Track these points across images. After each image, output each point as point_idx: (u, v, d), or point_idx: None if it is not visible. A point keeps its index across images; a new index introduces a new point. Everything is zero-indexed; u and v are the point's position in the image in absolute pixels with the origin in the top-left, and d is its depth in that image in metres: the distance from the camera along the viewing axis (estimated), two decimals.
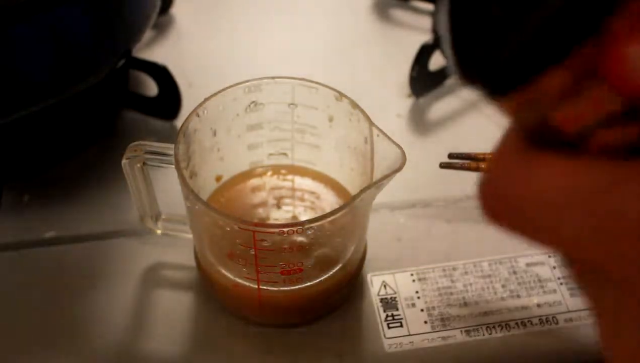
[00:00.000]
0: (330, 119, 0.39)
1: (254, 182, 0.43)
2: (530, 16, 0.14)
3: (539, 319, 0.40)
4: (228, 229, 0.36)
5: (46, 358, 0.38)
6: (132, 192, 0.39)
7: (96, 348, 0.38)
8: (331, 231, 0.37)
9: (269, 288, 0.37)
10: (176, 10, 0.60)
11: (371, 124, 0.36)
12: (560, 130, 0.16)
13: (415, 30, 0.60)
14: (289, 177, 0.43)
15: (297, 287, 0.37)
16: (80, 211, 0.45)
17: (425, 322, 0.40)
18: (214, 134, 0.39)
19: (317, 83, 0.38)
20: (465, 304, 0.40)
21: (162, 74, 0.49)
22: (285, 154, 0.43)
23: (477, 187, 0.19)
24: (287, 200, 0.42)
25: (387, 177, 0.34)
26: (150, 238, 0.43)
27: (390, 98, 0.54)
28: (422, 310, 0.40)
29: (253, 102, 0.39)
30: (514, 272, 0.42)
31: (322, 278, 0.37)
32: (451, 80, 0.54)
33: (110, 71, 0.45)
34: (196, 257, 0.40)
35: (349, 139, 0.39)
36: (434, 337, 0.39)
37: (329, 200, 0.42)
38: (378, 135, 0.35)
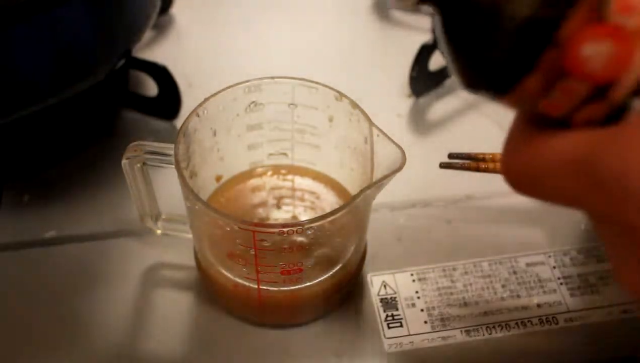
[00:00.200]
0: (330, 119, 0.39)
1: (254, 182, 0.43)
2: (503, 43, 0.20)
3: (539, 319, 0.40)
4: (228, 229, 0.36)
5: (46, 358, 0.38)
6: (132, 192, 0.39)
7: (96, 348, 0.38)
8: (331, 231, 0.37)
9: (269, 288, 0.37)
10: (176, 10, 0.60)
11: (371, 124, 0.36)
12: (548, 114, 0.21)
13: (415, 30, 0.60)
14: (289, 177, 0.43)
15: (297, 287, 0.37)
16: (80, 211, 0.45)
17: (425, 322, 0.40)
18: (214, 133, 0.39)
19: (317, 83, 0.38)
20: (465, 304, 0.40)
21: (162, 74, 0.49)
22: (285, 154, 0.43)
23: (500, 165, 0.23)
24: (287, 200, 0.42)
25: (387, 177, 0.34)
26: (150, 238, 0.43)
27: (390, 98, 0.54)
28: (422, 310, 0.40)
29: (253, 102, 0.39)
30: (514, 272, 0.42)
31: (322, 278, 0.37)
32: (451, 80, 0.54)
33: (110, 71, 0.45)
34: (196, 257, 0.40)
35: (349, 139, 0.39)
36: (434, 337, 0.39)
37: (329, 200, 0.42)
38: (378, 135, 0.35)
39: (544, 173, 0.21)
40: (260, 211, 0.42)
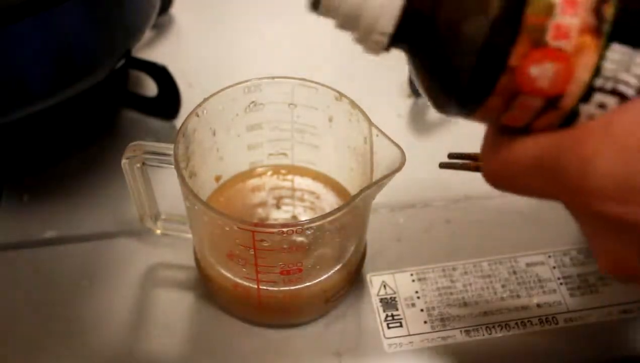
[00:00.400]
0: (330, 119, 0.39)
1: (254, 182, 0.43)
2: (464, 74, 0.23)
3: (539, 319, 0.40)
4: (227, 229, 0.36)
5: (46, 358, 0.38)
6: (131, 192, 0.39)
7: (96, 347, 0.38)
8: (331, 231, 0.37)
9: (268, 288, 0.37)
10: (176, 10, 0.60)
11: (371, 123, 0.36)
12: (512, 126, 0.24)
13: None
14: (289, 177, 0.43)
15: (296, 287, 0.37)
16: (80, 211, 0.45)
17: (425, 322, 0.40)
18: (214, 134, 0.39)
19: (317, 83, 0.38)
20: (465, 304, 0.40)
21: (161, 74, 0.49)
22: (285, 154, 0.43)
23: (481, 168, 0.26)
24: (286, 200, 0.42)
25: (387, 177, 0.34)
26: (150, 238, 0.43)
27: (390, 98, 0.54)
28: (421, 310, 0.40)
29: (253, 102, 0.39)
30: (514, 272, 0.42)
31: (322, 278, 0.37)
32: None
33: (110, 71, 0.45)
34: (196, 257, 0.40)
35: (349, 139, 0.39)
36: (434, 337, 0.39)
37: (329, 200, 0.42)
38: (378, 135, 0.35)
39: (515, 173, 0.24)
40: (260, 211, 0.42)
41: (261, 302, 0.38)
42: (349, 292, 0.40)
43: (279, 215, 0.42)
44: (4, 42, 0.37)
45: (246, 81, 0.38)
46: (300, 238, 0.36)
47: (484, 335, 0.39)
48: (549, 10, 0.22)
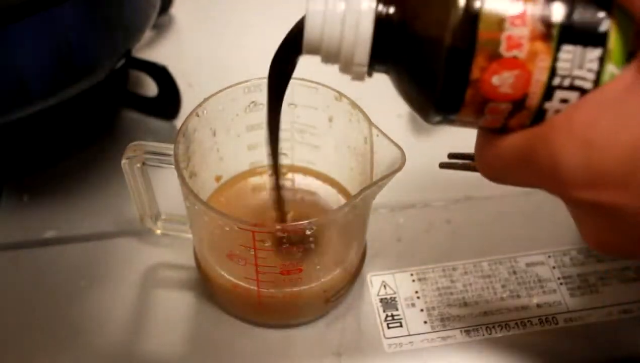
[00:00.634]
0: (330, 119, 0.39)
1: (254, 181, 0.43)
2: (434, 92, 0.26)
3: (539, 319, 0.40)
4: (228, 229, 0.36)
5: (46, 358, 0.38)
6: (131, 192, 0.39)
7: (96, 348, 0.38)
8: (331, 231, 0.37)
9: (269, 288, 0.37)
10: (176, 10, 0.60)
11: (371, 123, 0.36)
12: (491, 127, 0.27)
13: None
14: (289, 176, 0.43)
15: (296, 287, 0.37)
16: (80, 211, 0.45)
17: (425, 322, 0.40)
18: (214, 134, 0.39)
19: (317, 83, 0.38)
20: (465, 304, 0.40)
21: (161, 74, 0.49)
22: (285, 154, 0.43)
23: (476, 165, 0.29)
24: (287, 200, 0.42)
25: (387, 177, 0.34)
26: (150, 238, 0.43)
27: (390, 98, 0.53)
28: (421, 310, 0.40)
29: (253, 102, 0.39)
30: (514, 272, 0.42)
31: (321, 278, 0.37)
32: None
33: (110, 71, 0.45)
34: (196, 257, 0.40)
35: (349, 139, 0.39)
36: (434, 337, 0.39)
37: (329, 200, 0.42)
38: (378, 135, 0.35)
39: (501, 166, 0.27)
40: (260, 211, 0.42)
41: (261, 302, 0.38)
42: (349, 292, 0.40)
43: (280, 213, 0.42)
44: (4, 42, 0.37)
45: (246, 81, 0.38)
46: (300, 239, 0.36)
47: (484, 335, 0.39)
48: (500, 24, 0.24)
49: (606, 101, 0.24)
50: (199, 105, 0.37)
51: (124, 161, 0.37)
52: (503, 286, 0.41)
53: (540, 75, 0.24)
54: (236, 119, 0.40)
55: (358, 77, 0.28)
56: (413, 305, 0.40)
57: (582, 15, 0.24)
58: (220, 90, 0.38)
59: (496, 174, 0.28)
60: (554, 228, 0.44)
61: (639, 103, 0.23)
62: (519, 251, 0.43)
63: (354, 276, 0.40)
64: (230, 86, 0.38)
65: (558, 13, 0.24)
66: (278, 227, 0.35)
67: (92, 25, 0.41)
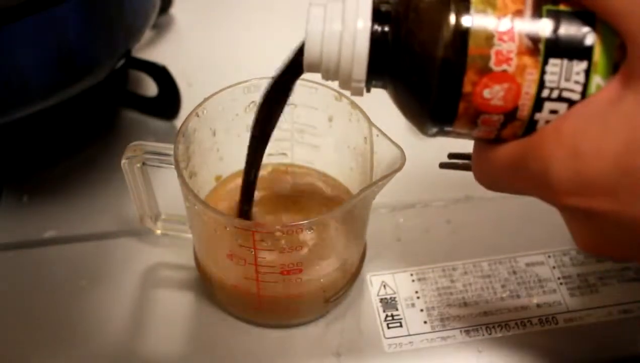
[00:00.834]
0: (330, 119, 0.39)
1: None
2: (429, 105, 0.27)
3: (539, 319, 0.40)
4: (228, 229, 0.36)
5: (46, 358, 0.38)
6: (131, 192, 0.39)
7: (96, 348, 0.38)
8: (331, 231, 0.37)
9: (268, 288, 0.37)
10: (176, 10, 0.60)
11: (371, 123, 0.36)
12: (484, 138, 0.28)
13: None
14: (289, 176, 0.43)
15: (296, 287, 0.37)
16: (80, 211, 0.45)
17: (425, 322, 0.40)
18: (214, 134, 0.39)
19: (316, 83, 0.38)
20: (465, 304, 0.40)
21: (161, 74, 0.49)
22: (285, 154, 0.43)
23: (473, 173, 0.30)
24: (287, 200, 0.42)
25: (386, 177, 0.34)
26: (150, 238, 0.43)
27: (389, 98, 0.53)
28: (421, 310, 0.40)
29: (253, 102, 0.39)
30: (514, 272, 0.42)
31: (321, 278, 0.37)
32: None
33: (110, 71, 0.45)
34: (196, 257, 0.40)
35: (349, 139, 0.39)
36: (434, 337, 0.39)
37: (329, 200, 0.42)
38: (378, 135, 0.35)
39: (496, 175, 0.28)
40: (260, 210, 0.42)
41: (261, 302, 0.38)
42: (349, 292, 0.40)
43: (279, 215, 0.42)
44: (3, 42, 0.37)
45: (246, 81, 0.38)
46: (300, 238, 0.36)
47: (484, 335, 0.39)
48: (489, 40, 0.25)
49: (592, 112, 0.25)
50: (199, 105, 0.37)
51: (124, 161, 0.37)
52: (503, 286, 0.41)
53: (529, 88, 0.25)
54: (236, 119, 0.40)
55: (357, 92, 0.29)
56: (413, 305, 0.40)
57: (567, 30, 0.25)
58: (220, 90, 0.38)
59: (491, 182, 0.29)
60: (554, 228, 0.44)
61: (623, 114, 0.24)
62: (519, 251, 0.43)
63: (354, 276, 0.40)
64: (230, 86, 0.38)
65: (544, 28, 0.25)
66: (278, 227, 0.35)
67: (92, 25, 0.41)
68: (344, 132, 0.39)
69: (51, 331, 0.39)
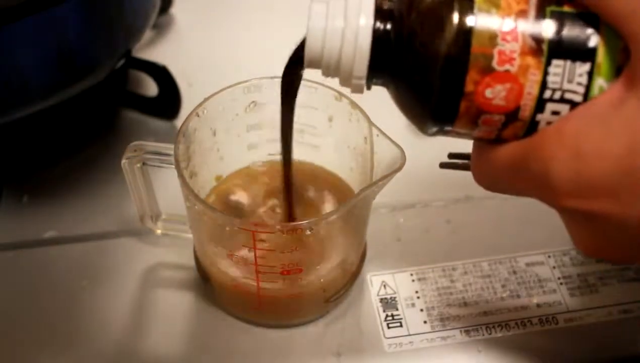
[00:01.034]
0: (330, 119, 0.39)
1: (253, 177, 0.43)
2: (430, 104, 0.27)
3: (539, 319, 0.40)
4: (228, 229, 0.36)
5: (46, 358, 0.38)
6: (131, 192, 0.39)
7: (96, 348, 0.38)
8: (331, 231, 0.37)
9: (268, 288, 0.37)
10: (176, 10, 0.60)
11: (371, 123, 0.36)
12: (485, 138, 0.28)
13: None
14: (289, 175, 0.43)
15: (296, 287, 0.37)
16: (80, 211, 0.45)
17: (425, 322, 0.40)
18: (214, 133, 0.39)
19: (316, 83, 0.38)
20: (465, 304, 0.40)
21: (161, 74, 0.49)
22: None
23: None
24: (286, 200, 0.42)
25: (387, 177, 0.34)
26: (150, 238, 0.43)
27: (389, 98, 0.53)
28: (421, 310, 0.40)
29: (253, 102, 0.39)
30: (514, 272, 0.42)
31: (321, 278, 0.37)
32: None
33: (110, 71, 0.45)
34: (196, 257, 0.40)
35: (349, 139, 0.39)
36: (434, 337, 0.39)
37: (329, 200, 0.42)
38: (378, 135, 0.35)
39: (495, 176, 0.28)
40: (260, 210, 0.42)
41: (261, 302, 0.38)
42: (349, 292, 0.40)
43: (279, 215, 0.41)
44: (3, 42, 0.37)
45: (246, 81, 0.38)
46: (300, 238, 0.36)
47: (484, 335, 0.39)
48: (492, 40, 0.25)
49: (595, 114, 0.25)
50: (199, 105, 0.37)
51: (124, 161, 0.37)
52: (503, 286, 0.41)
53: (531, 89, 0.25)
54: (236, 119, 0.40)
55: (357, 89, 0.29)
56: (413, 305, 0.40)
57: (571, 31, 0.25)
58: (220, 90, 0.38)
59: (491, 183, 0.29)
60: (554, 229, 0.44)
61: (626, 116, 0.24)
62: (519, 251, 0.43)
63: (354, 276, 0.40)
64: (230, 86, 0.38)
65: (548, 29, 0.25)
66: (278, 226, 0.35)
67: (92, 25, 0.41)
68: (344, 132, 0.39)
69: (51, 331, 0.39)
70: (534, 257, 0.43)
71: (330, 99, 0.38)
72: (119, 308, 0.40)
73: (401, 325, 0.39)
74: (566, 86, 0.25)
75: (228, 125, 0.40)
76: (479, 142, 0.29)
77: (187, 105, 0.50)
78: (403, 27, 0.27)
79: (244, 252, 0.35)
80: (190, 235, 0.40)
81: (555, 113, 0.26)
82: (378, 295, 0.41)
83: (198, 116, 0.37)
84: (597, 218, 0.26)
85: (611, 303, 0.41)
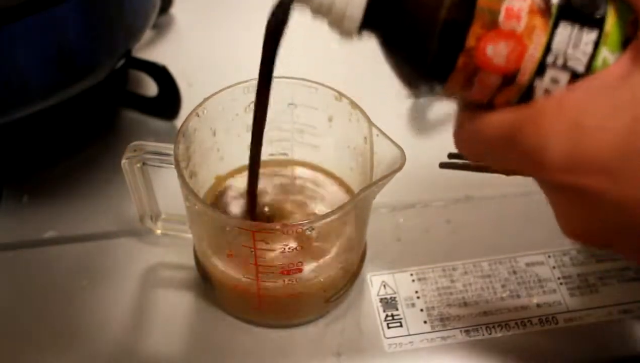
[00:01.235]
0: (330, 119, 0.39)
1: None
2: (429, 52, 0.25)
3: (539, 319, 0.40)
4: (228, 229, 0.36)
5: (46, 359, 0.38)
6: (131, 192, 0.39)
7: (96, 348, 0.38)
8: (331, 231, 0.37)
9: (268, 288, 0.37)
10: (176, 10, 0.60)
11: (371, 123, 0.36)
12: (476, 101, 0.26)
13: None
14: (289, 174, 0.43)
15: (296, 287, 0.37)
16: (80, 211, 0.45)
17: (425, 322, 0.40)
18: (214, 133, 0.39)
19: (316, 83, 0.38)
20: (465, 304, 0.40)
21: (161, 74, 0.49)
22: (285, 154, 0.43)
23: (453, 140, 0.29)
24: (286, 199, 0.42)
25: (386, 177, 0.34)
26: (150, 238, 0.43)
27: (390, 98, 0.53)
28: (421, 310, 0.40)
29: (253, 101, 0.39)
30: (514, 272, 0.42)
31: (321, 278, 0.37)
32: None
33: (110, 71, 0.45)
34: (196, 257, 0.40)
35: (349, 139, 0.39)
36: (434, 337, 0.39)
37: (329, 199, 0.42)
38: (378, 135, 0.35)
39: (483, 143, 0.27)
40: (260, 209, 0.42)
41: (261, 302, 0.38)
42: (349, 292, 0.40)
43: (279, 214, 0.42)
44: (3, 42, 0.37)
45: (246, 81, 0.38)
46: (300, 238, 0.36)
47: (484, 335, 0.39)
48: None
49: (599, 87, 0.24)
50: (199, 105, 0.37)
51: (124, 161, 0.37)
52: (503, 286, 0.41)
53: (534, 50, 0.24)
54: (236, 119, 0.40)
55: (347, 33, 0.27)
56: (413, 305, 0.40)
57: None
58: (220, 90, 0.38)
59: (475, 150, 0.28)
60: (554, 229, 0.44)
61: (632, 90, 0.23)
62: (519, 251, 0.43)
63: (354, 276, 0.40)
64: (230, 86, 0.38)
65: None
66: (278, 226, 0.35)
67: (92, 25, 0.41)
68: (344, 132, 0.39)
69: (51, 331, 0.39)
70: (534, 257, 0.43)
71: (330, 99, 0.38)
72: (119, 308, 0.40)
73: (401, 325, 0.39)
74: (570, 52, 0.24)
75: (228, 125, 0.40)
76: (466, 107, 0.28)
77: (187, 105, 0.50)
78: None
79: (244, 252, 0.35)
80: (190, 235, 0.40)
81: (554, 81, 0.25)
82: (378, 295, 0.41)
83: (198, 116, 0.37)
84: (590, 197, 0.24)
85: (611, 303, 0.41)
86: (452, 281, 0.41)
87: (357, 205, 0.35)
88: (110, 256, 0.43)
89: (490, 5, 0.24)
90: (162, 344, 0.39)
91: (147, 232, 0.42)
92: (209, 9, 0.62)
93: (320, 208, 0.41)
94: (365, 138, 0.37)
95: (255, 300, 0.38)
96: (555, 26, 0.24)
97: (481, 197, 0.46)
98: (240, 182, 0.43)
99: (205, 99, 0.38)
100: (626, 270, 0.42)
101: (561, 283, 0.41)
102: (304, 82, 0.38)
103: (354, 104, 0.37)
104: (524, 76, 0.25)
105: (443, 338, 0.39)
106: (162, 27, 0.59)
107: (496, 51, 0.24)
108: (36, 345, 0.39)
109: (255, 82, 0.38)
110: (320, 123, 0.40)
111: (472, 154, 0.28)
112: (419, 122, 0.52)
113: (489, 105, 0.26)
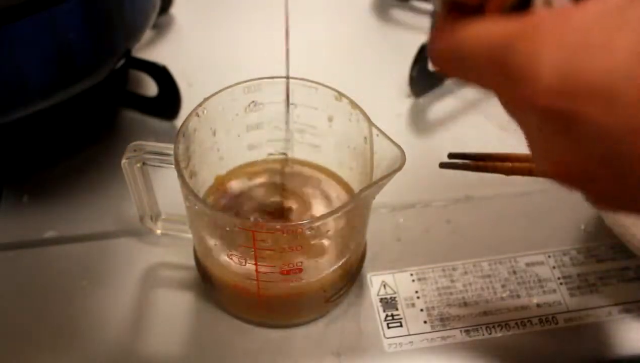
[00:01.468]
0: (330, 119, 0.39)
1: (252, 178, 0.43)
2: None
3: (539, 319, 0.40)
4: (228, 229, 0.36)
5: (46, 358, 0.38)
6: (131, 192, 0.39)
7: (96, 348, 0.38)
8: (331, 231, 0.37)
9: (269, 288, 0.37)
10: (176, 10, 0.60)
11: (371, 123, 0.36)
12: (465, 4, 0.24)
13: (415, 30, 0.60)
14: (289, 174, 0.43)
15: (296, 287, 0.37)
16: (80, 211, 0.45)
17: (425, 322, 0.40)
18: (214, 133, 0.39)
19: (316, 83, 0.38)
20: (465, 304, 0.40)
21: (161, 74, 0.49)
22: (285, 154, 0.43)
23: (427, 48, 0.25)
24: (286, 199, 0.42)
25: (386, 177, 0.34)
26: (150, 238, 0.43)
27: (390, 98, 0.54)
28: (421, 310, 0.40)
29: (253, 102, 0.39)
30: (514, 272, 0.42)
31: (322, 278, 0.37)
32: (451, 81, 0.54)
33: (110, 71, 0.45)
34: (196, 257, 0.40)
35: (349, 139, 0.39)
36: (434, 336, 0.39)
37: (329, 199, 0.42)
38: (378, 135, 0.35)
39: (463, 55, 0.24)
40: (260, 209, 0.42)
41: (261, 302, 0.38)
42: (349, 292, 0.40)
43: (279, 214, 0.42)
44: (3, 42, 0.37)
45: (246, 81, 0.38)
46: (300, 238, 0.36)
47: (484, 335, 0.39)
48: None
49: (607, 8, 0.22)
50: (199, 105, 0.37)
51: (124, 161, 0.37)
52: (503, 286, 0.41)
53: None
54: (236, 119, 0.40)
55: None
56: (413, 305, 0.40)
57: None
58: (220, 90, 0.38)
59: (454, 64, 0.25)
60: (554, 228, 0.44)
61: None
62: (519, 251, 0.43)
63: (354, 276, 0.40)
64: (230, 86, 0.38)
65: None
66: (278, 226, 0.35)
67: (92, 25, 0.41)
68: (344, 132, 0.39)
69: (51, 331, 0.39)
70: (534, 257, 0.43)
71: (330, 99, 0.38)
72: (119, 308, 0.40)
73: (401, 325, 0.39)
74: None
75: (228, 125, 0.40)
76: (450, 12, 0.25)
77: (187, 105, 0.50)
78: None
79: (244, 252, 0.35)
80: (190, 235, 0.40)
81: None
82: (378, 295, 0.41)
83: (198, 116, 0.37)
84: (578, 125, 0.22)
85: (611, 303, 0.41)
86: (452, 281, 0.41)
87: (357, 205, 0.35)
88: (110, 256, 0.43)
89: None
90: (162, 344, 0.39)
91: (147, 232, 0.42)
92: (209, 9, 0.62)
93: (320, 209, 0.41)
94: (365, 138, 0.37)
95: (255, 300, 0.38)
96: None
97: (481, 197, 0.46)
98: (240, 182, 0.43)
99: (205, 99, 0.38)
100: (626, 270, 0.42)
101: (561, 283, 0.41)
102: (304, 82, 0.38)
103: (354, 104, 0.37)
104: None
105: (443, 338, 0.39)
106: (162, 27, 0.59)
107: None
108: (36, 345, 0.39)
109: (255, 82, 0.38)
110: (321, 123, 0.40)
111: (448, 68, 0.25)
112: (419, 122, 0.52)
113: (478, 10, 0.24)
